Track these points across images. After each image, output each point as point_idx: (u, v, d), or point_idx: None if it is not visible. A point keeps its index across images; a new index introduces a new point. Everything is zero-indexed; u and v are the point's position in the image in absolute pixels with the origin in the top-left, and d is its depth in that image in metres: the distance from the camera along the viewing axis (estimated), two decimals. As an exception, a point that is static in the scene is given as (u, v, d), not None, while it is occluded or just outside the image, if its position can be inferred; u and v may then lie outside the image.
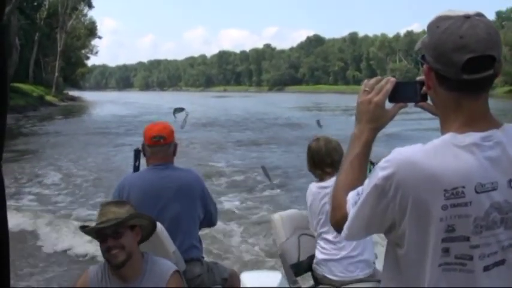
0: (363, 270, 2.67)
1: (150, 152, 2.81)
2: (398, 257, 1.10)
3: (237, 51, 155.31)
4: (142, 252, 2.22)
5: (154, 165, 2.80)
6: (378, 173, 1.07)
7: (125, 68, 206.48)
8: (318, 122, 4.63)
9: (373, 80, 1.24)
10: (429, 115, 1.23)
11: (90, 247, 5.17)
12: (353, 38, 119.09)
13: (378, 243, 2.94)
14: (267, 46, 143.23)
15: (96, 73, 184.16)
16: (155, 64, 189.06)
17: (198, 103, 42.64)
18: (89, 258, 5.23)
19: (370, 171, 1.18)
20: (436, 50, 1.08)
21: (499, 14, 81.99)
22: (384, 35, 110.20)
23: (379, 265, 2.71)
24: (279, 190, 8.80)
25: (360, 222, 1.11)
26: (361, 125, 1.23)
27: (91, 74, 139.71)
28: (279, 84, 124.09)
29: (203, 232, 3.08)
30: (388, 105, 1.24)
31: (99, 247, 2.18)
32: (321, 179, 2.78)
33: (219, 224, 6.17)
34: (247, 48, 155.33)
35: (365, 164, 1.22)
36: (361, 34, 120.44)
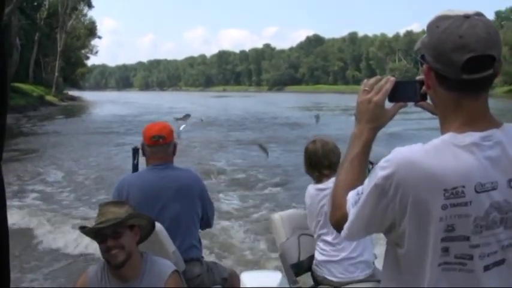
0: (363, 271, 2.68)
1: (150, 152, 2.80)
2: (398, 257, 1.11)
3: (237, 51, 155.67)
4: (142, 252, 2.22)
5: (154, 165, 2.79)
6: (378, 173, 1.07)
7: (124, 68, 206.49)
8: (317, 117, 4.64)
9: (372, 80, 1.24)
10: (429, 115, 1.23)
11: (91, 246, 5.17)
12: (352, 37, 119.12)
13: (378, 243, 2.95)
14: (267, 46, 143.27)
15: (96, 73, 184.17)
16: (155, 64, 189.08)
17: (197, 103, 42.67)
18: (89, 257, 5.23)
19: (369, 171, 1.18)
20: (436, 50, 1.08)
21: (498, 13, 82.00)
22: (383, 35, 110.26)
23: (379, 265, 2.72)
24: (279, 188, 8.84)
25: (360, 222, 1.11)
26: (360, 125, 1.23)
27: (91, 74, 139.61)
28: (279, 84, 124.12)
29: (204, 231, 3.08)
30: (388, 104, 1.24)
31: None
32: (319, 180, 2.78)
33: (220, 222, 6.24)
34: (247, 48, 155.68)
35: (365, 163, 1.22)
36: (360, 34, 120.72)
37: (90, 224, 2.26)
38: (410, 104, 1.25)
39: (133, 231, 2.18)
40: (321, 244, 2.75)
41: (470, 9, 1.09)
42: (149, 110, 33.58)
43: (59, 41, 48.45)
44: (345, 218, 1.14)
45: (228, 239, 6.00)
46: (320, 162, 2.75)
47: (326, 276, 2.71)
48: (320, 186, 2.74)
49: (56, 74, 48.67)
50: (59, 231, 6.25)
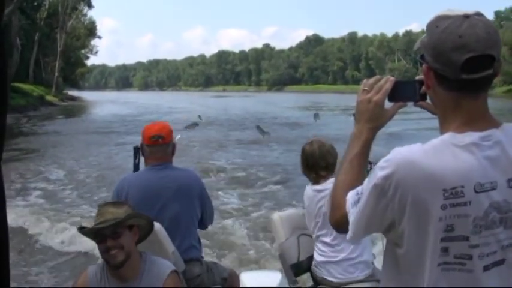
0: (362, 271, 2.68)
1: (149, 152, 2.80)
2: (398, 257, 1.10)
3: (236, 51, 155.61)
4: (141, 252, 2.23)
5: (153, 165, 2.79)
6: (377, 173, 1.07)
7: (124, 68, 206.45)
8: (316, 116, 4.65)
9: (372, 79, 1.24)
10: (428, 114, 1.23)
11: (91, 246, 5.18)
12: (352, 37, 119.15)
13: (376, 243, 2.95)
14: (266, 46, 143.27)
15: (96, 73, 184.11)
16: (154, 64, 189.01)
17: (197, 103, 42.69)
18: (89, 257, 5.23)
19: (368, 171, 1.18)
20: (435, 50, 1.08)
21: (497, 13, 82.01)
22: (382, 35, 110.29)
23: (378, 265, 2.72)
24: (279, 186, 8.89)
25: (361, 222, 1.11)
26: (360, 125, 1.23)
27: (90, 74, 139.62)
28: (278, 84, 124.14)
29: (204, 230, 3.09)
30: (388, 104, 1.23)
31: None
32: (316, 182, 2.78)
33: (220, 221, 6.26)
34: (247, 48, 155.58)
35: (364, 163, 1.22)
36: (360, 34, 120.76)
37: (90, 224, 2.26)
38: (410, 103, 1.24)
39: (133, 231, 2.18)
40: (319, 245, 2.75)
41: (469, 9, 1.09)
42: (149, 110, 33.61)
43: (59, 41, 48.47)
44: (344, 218, 1.14)
45: (228, 238, 6.02)
46: (317, 163, 2.74)
47: (325, 277, 2.71)
48: (318, 187, 2.74)
49: (56, 74, 48.70)
50: (61, 229, 6.26)
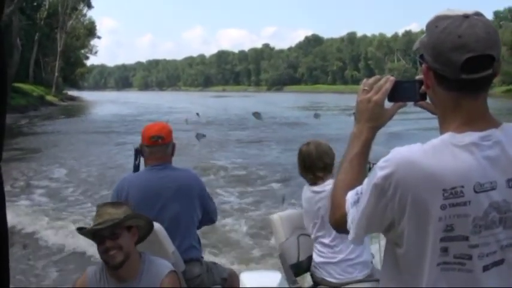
0: (362, 271, 2.68)
1: (149, 152, 2.80)
2: (397, 257, 1.10)
3: (236, 51, 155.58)
4: (140, 252, 2.23)
5: (153, 166, 2.79)
6: (377, 173, 1.07)
7: (123, 68, 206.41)
8: (317, 116, 4.68)
9: (372, 79, 1.24)
10: (428, 114, 1.23)
11: (91, 245, 5.19)
12: (351, 37, 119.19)
13: (374, 242, 2.95)
14: (266, 46, 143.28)
15: (95, 73, 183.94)
16: (154, 64, 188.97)
17: (197, 103, 42.71)
18: (89, 256, 5.24)
19: (368, 170, 1.18)
20: (435, 50, 1.08)
21: (496, 13, 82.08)
22: (382, 35, 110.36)
23: (377, 264, 2.72)
24: (279, 185, 8.95)
25: (362, 222, 1.11)
26: (360, 124, 1.23)
27: (90, 74, 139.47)
28: (278, 84, 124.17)
29: (205, 229, 3.10)
30: (388, 104, 1.23)
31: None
32: (313, 183, 2.77)
33: (220, 219, 6.28)
34: (246, 48, 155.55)
35: (364, 163, 1.22)
36: (359, 34, 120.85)
37: (90, 223, 2.26)
38: (410, 103, 1.25)
39: (131, 232, 2.18)
40: (318, 246, 2.75)
41: (469, 9, 1.08)
42: (149, 110, 33.65)
43: (59, 41, 48.49)
44: (344, 218, 1.14)
45: (229, 236, 6.04)
46: (314, 164, 2.74)
47: (325, 278, 2.71)
48: (315, 188, 2.74)
49: (56, 74, 48.73)
50: (58, 231, 6.27)
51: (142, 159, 2.91)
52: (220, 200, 7.77)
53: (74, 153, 13.42)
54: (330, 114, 27.20)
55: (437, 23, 1.08)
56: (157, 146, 2.77)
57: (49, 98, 42.46)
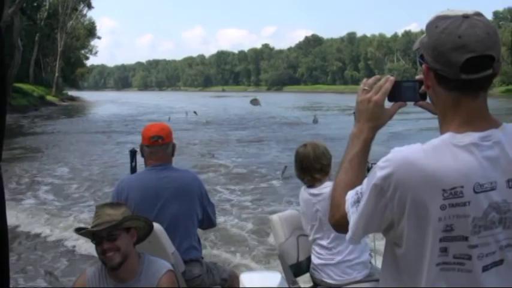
0: (361, 272, 2.68)
1: (149, 152, 2.80)
2: (397, 257, 1.10)
3: (236, 51, 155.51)
4: (139, 253, 2.24)
5: (153, 166, 2.79)
6: (377, 173, 1.07)
7: (123, 68, 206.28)
8: (315, 120, 4.69)
9: (372, 79, 1.24)
10: (428, 114, 1.23)
11: (91, 245, 5.19)
12: (351, 38, 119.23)
13: (373, 242, 2.96)
14: (266, 46, 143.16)
15: (95, 73, 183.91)
16: (154, 64, 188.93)
17: (197, 103, 42.71)
18: (89, 256, 5.24)
19: (368, 170, 1.17)
20: (435, 50, 1.08)
21: (496, 14, 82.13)
22: (381, 35, 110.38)
23: (377, 263, 2.72)
24: (279, 184, 9.01)
25: (361, 222, 1.11)
26: (360, 124, 1.23)
27: (90, 74, 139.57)
28: (278, 84, 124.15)
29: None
30: (388, 104, 1.23)
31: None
32: (310, 185, 2.77)
33: (221, 217, 6.31)
34: (246, 48, 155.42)
35: (364, 162, 1.22)
36: (359, 34, 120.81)
37: (89, 224, 2.27)
38: (410, 103, 1.25)
39: (130, 233, 2.19)
40: (316, 248, 2.76)
41: (469, 9, 1.08)
42: (150, 110, 33.71)
43: (59, 42, 48.53)
44: (343, 217, 1.14)
45: (231, 233, 6.05)
46: (312, 165, 2.73)
47: (324, 280, 2.72)
48: (313, 191, 2.73)
49: (57, 74, 48.73)
50: (59, 231, 6.28)
51: (140, 160, 2.92)
52: (222, 197, 7.89)
53: (76, 153, 13.56)
54: (329, 114, 27.22)
55: (437, 23, 1.08)
56: (157, 146, 2.78)
57: (49, 98, 42.51)
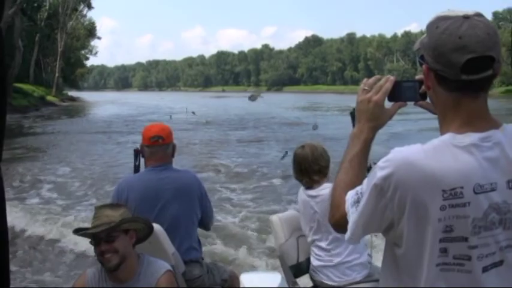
0: (360, 272, 2.69)
1: (149, 153, 2.80)
2: (397, 257, 1.10)
3: (235, 51, 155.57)
4: (138, 253, 2.24)
5: (153, 167, 2.79)
6: (377, 173, 1.07)
7: (123, 68, 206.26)
8: (315, 126, 4.70)
9: (372, 79, 1.24)
10: (428, 114, 1.23)
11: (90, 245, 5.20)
12: (351, 38, 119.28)
13: (372, 241, 2.96)
14: (266, 46, 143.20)
15: (95, 73, 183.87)
16: (154, 64, 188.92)
17: (197, 103, 42.72)
18: (89, 256, 5.25)
19: (368, 170, 1.17)
20: (436, 51, 1.08)
21: (495, 14, 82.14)
22: (381, 36, 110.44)
23: (376, 263, 2.73)
24: (280, 182, 9.06)
25: (360, 222, 1.11)
26: (360, 124, 1.23)
27: (90, 75, 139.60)
28: (278, 84, 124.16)
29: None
30: (388, 104, 1.23)
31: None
32: (309, 186, 2.77)
33: (221, 215, 6.29)
34: (246, 49, 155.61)
35: (364, 163, 1.22)
36: (359, 34, 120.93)
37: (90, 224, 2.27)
38: (410, 103, 1.25)
39: (129, 235, 2.19)
40: (315, 250, 2.76)
41: (468, 10, 1.08)
42: (150, 110, 33.75)
43: (59, 42, 48.53)
44: (343, 218, 1.14)
45: (231, 233, 6.06)
46: (310, 167, 2.73)
47: (324, 281, 2.72)
48: (311, 192, 2.74)
49: (57, 74, 48.75)
50: (59, 230, 6.28)
51: (142, 160, 2.91)
52: (223, 196, 7.92)
53: (77, 152, 13.62)
54: (329, 114, 27.23)
55: (437, 24, 1.08)
56: (157, 146, 2.77)
57: (50, 98, 42.52)
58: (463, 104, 1.09)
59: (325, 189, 2.63)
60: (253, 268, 4.78)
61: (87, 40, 60.12)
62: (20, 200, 7.97)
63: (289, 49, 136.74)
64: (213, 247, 5.41)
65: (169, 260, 2.45)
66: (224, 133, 18.75)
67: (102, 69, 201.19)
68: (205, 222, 2.95)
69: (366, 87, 1.23)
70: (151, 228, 2.34)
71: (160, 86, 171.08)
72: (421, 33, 1.21)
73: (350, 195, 1.14)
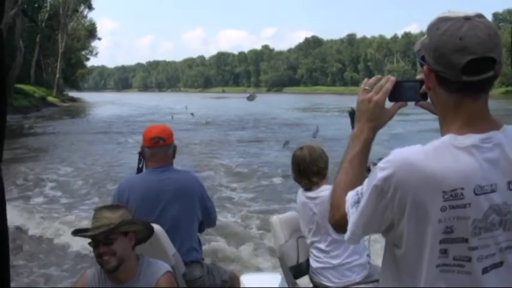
0: (360, 273, 2.69)
1: (150, 154, 2.80)
2: (397, 257, 1.10)
3: (235, 52, 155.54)
4: (138, 254, 2.24)
5: (154, 168, 2.79)
6: (377, 174, 1.07)
7: (123, 69, 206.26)
8: (315, 132, 4.73)
9: (373, 79, 1.24)
10: (429, 115, 1.23)
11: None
12: (351, 39, 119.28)
13: (372, 242, 2.96)
14: (266, 47, 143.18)
15: (95, 74, 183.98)
16: (154, 65, 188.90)
17: (198, 104, 42.73)
18: (90, 256, 5.26)
19: (369, 170, 1.18)
20: (436, 52, 1.08)
21: (495, 15, 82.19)
22: (381, 37, 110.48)
23: (376, 263, 2.73)
24: (280, 182, 9.10)
25: (360, 223, 1.11)
26: (360, 124, 1.23)
27: (90, 75, 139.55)
28: (278, 85, 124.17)
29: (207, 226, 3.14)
30: (388, 104, 1.23)
31: None
32: (308, 188, 2.77)
33: (222, 215, 6.33)
34: (246, 49, 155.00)
35: (364, 163, 1.22)
36: (359, 35, 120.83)
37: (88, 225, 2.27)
38: (411, 103, 1.25)
39: (128, 237, 2.19)
40: (314, 251, 2.76)
41: (469, 11, 1.08)
42: (150, 111, 33.79)
43: (60, 43, 48.58)
44: (344, 218, 1.14)
45: (233, 232, 6.07)
46: (308, 168, 2.73)
47: (324, 283, 2.72)
48: (310, 194, 2.73)
49: (57, 75, 48.79)
50: (59, 230, 6.29)
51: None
52: (223, 196, 7.94)
53: (79, 153, 13.69)
54: (329, 115, 27.24)
55: (438, 25, 1.08)
56: (158, 147, 2.77)
57: (50, 99, 42.58)
58: (464, 105, 1.09)
59: (324, 191, 2.63)
60: (255, 267, 4.80)
61: (87, 41, 60.18)
62: (24, 198, 8.05)
63: (289, 50, 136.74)
64: (215, 245, 5.41)
65: (170, 261, 2.45)
66: (224, 133, 18.80)
67: (102, 70, 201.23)
68: (208, 223, 2.95)
69: (367, 87, 1.23)
70: (151, 229, 2.34)
71: (160, 87, 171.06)
72: (421, 34, 1.20)
73: (350, 196, 1.14)
